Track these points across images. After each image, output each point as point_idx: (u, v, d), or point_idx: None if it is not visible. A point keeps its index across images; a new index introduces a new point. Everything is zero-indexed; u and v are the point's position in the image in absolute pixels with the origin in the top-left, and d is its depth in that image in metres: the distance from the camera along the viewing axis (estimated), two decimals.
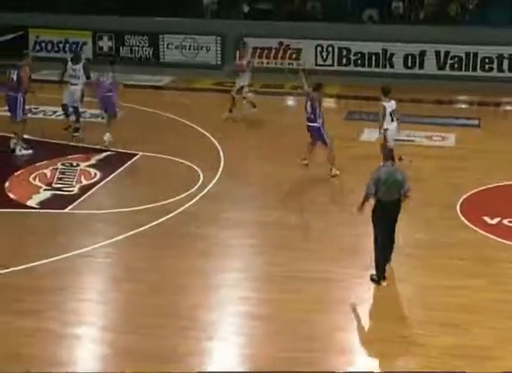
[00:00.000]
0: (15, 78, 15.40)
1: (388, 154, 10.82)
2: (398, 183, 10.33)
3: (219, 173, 14.40)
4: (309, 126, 14.38)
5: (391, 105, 14.50)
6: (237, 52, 18.49)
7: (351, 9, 23.22)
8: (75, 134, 16.37)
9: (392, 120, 14.45)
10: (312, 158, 14.57)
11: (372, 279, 10.44)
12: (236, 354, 9.02)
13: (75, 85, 16.48)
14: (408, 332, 9.34)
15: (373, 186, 10.26)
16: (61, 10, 23.23)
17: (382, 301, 10.14)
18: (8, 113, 15.74)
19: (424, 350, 8.84)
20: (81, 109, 16.81)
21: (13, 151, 15.41)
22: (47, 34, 23.68)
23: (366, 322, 9.70)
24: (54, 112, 17.41)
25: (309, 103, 14.30)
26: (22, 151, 15.46)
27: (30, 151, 15.46)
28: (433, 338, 9.06)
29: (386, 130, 14.36)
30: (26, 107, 15.91)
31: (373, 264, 10.43)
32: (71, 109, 16.68)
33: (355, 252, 11.24)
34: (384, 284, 10.37)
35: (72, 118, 16.69)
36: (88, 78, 16.57)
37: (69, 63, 16.57)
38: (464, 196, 13.25)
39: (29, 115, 16.08)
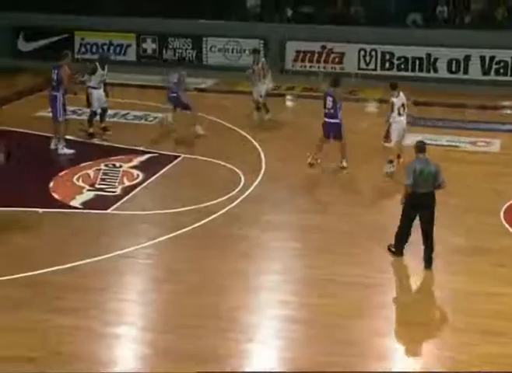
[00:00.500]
0: (55, 77, 15.61)
1: (422, 146, 10.99)
2: (432, 175, 10.67)
3: (260, 176, 14.43)
4: (329, 122, 14.51)
5: (399, 99, 14.39)
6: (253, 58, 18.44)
7: (395, 13, 23.09)
8: (108, 133, 16.58)
9: (400, 115, 14.28)
10: (360, 165, 14.53)
11: (389, 249, 11.14)
12: (275, 357, 9.01)
13: (101, 88, 16.58)
14: (449, 340, 9.25)
15: (409, 178, 10.59)
16: (106, 13, 23.51)
17: (421, 307, 10.08)
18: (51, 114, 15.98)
19: (467, 358, 8.73)
20: (124, 111, 16.99)
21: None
22: (92, 36, 23.99)
23: (404, 328, 9.63)
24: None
25: (330, 99, 14.46)
26: (64, 150, 15.65)
27: (72, 151, 15.65)
28: (476, 346, 8.94)
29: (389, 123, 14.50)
30: (71, 108, 16.10)
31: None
32: (99, 111, 16.79)
33: (396, 258, 11.19)
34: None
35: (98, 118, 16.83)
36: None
37: (99, 69, 16.46)
38: (509, 203, 13.09)
39: (72, 116, 16.23)
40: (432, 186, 10.68)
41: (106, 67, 16.55)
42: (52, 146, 15.78)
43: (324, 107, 14.52)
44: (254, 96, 18.00)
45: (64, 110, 15.77)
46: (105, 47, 23.72)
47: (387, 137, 14.68)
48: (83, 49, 23.86)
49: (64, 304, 9.81)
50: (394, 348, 9.18)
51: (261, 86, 17.86)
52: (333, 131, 14.54)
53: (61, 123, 15.75)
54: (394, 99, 14.37)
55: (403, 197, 10.77)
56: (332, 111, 14.42)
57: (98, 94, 16.46)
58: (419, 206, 10.70)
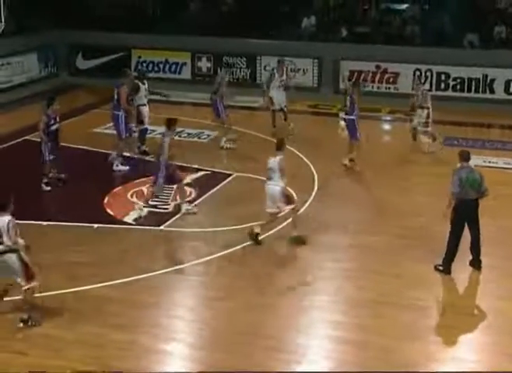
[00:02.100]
0: (115, 96, 15.83)
1: (467, 155, 11.39)
2: (477, 182, 11.01)
3: (313, 195, 14.40)
4: (345, 118, 16.18)
5: None
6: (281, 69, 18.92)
7: (451, 34, 22.89)
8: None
9: None
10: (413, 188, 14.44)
11: (436, 268, 11.18)
12: None
13: (145, 105, 16.72)
14: (500, 363, 9.07)
15: (457, 186, 10.86)
16: (162, 31, 23.82)
17: (473, 329, 9.92)
18: (115, 131, 16.20)
19: None
20: (179, 129, 17.06)
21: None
22: (149, 55, 24.30)
23: (457, 352, 9.47)
24: (153, 130, 17.68)
25: (349, 98, 15.89)
26: (119, 167, 15.85)
27: (127, 168, 15.84)
28: None
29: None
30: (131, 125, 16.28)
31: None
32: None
33: (445, 279, 11.06)
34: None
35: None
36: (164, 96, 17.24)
37: (141, 85, 16.56)
38: None
39: (135, 134, 16.41)
40: (477, 193, 11.00)
41: (146, 83, 16.71)
42: (110, 160, 15.95)
43: (344, 106, 16.41)
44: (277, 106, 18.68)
45: (127, 128, 15.93)
46: (161, 65, 24.02)
47: None
48: (140, 67, 24.16)
49: (116, 319, 9.91)
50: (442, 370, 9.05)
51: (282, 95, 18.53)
52: (348, 127, 15.99)
53: (121, 142, 15.95)
54: None
55: (447, 209, 11.00)
56: (349, 108, 15.90)
57: (147, 111, 16.64)
58: (467, 213, 10.98)
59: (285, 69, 19.18)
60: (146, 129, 16.78)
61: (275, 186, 12.28)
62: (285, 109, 18.59)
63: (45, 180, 14.53)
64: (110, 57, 24.25)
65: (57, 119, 14.67)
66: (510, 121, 19.74)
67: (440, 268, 11.20)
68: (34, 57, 23.54)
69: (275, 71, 18.86)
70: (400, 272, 11.33)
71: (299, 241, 12.32)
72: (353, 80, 17.74)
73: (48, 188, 14.51)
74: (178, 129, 17.49)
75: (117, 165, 15.85)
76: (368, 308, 10.34)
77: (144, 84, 16.60)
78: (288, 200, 12.40)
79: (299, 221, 12.52)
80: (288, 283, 11.01)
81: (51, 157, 14.52)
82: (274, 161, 12.31)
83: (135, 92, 16.53)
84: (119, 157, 15.91)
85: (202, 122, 19.26)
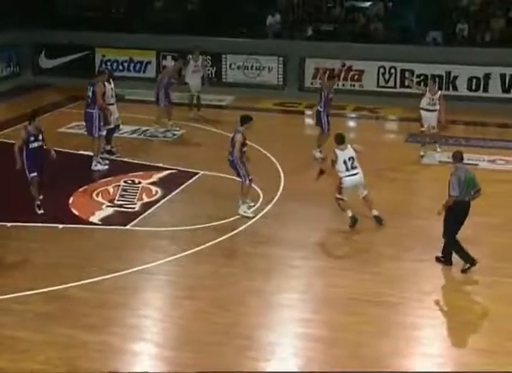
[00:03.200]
0: (90, 94, 15.61)
1: (461, 155, 11.31)
2: (473, 181, 11.07)
3: (279, 193, 14.42)
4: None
5: None
6: None
7: (415, 32, 23.09)
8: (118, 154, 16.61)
9: None
10: (381, 184, 14.51)
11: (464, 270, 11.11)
12: None
13: (114, 104, 16.49)
14: (472, 361, 9.16)
15: (457, 188, 10.88)
16: (127, 30, 23.68)
17: (442, 326, 10.01)
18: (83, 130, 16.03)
19: None
20: (144, 128, 17.01)
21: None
22: (113, 53, 24.15)
23: (425, 348, 9.54)
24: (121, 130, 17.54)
25: (324, 92, 16.55)
26: (97, 167, 15.68)
27: (106, 167, 15.68)
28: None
29: None
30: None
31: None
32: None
33: (417, 276, 11.14)
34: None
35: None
36: (116, 95, 16.66)
37: (107, 84, 16.15)
38: None
39: (104, 132, 16.23)
40: (471, 193, 11.04)
41: (112, 82, 16.45)
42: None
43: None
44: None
45: (100, 127, 15.71)
46: (125, 64, 23.88)
47: None
48: (103, 65, 23.99)
49: (84, 319, 9.82)
50: (415, 368, 9.10)
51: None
52: (315, 118, 16.74)
53: (95, 140, 15.76)
54: None
55: (443, 208, 11.02)
56: (318, 100, 16.62)
57: (113, 110, 16.41)
58: (464, 214, 11.03)
59: (200, 56, 19.93)
60: (113, 129, 16.62)
61: (361, 174, 12.83)
62: (199, 96, 19.45)
63: (37, 202, 13.27)
64: (74, 56, 24.05)
65: (40, 136, 13.13)
66: (473, 118, 19.96)
67: (467, 267, 11.13)
68: None
69: (191, 57, 19.55)
70: (370, 269, 11.37)
71: (379, 220, 12.87)
72: (330, 73, 17.82)
73: (41, 211, 13.24)
74: (143, 128, 17.51)
75: (95, 165, 15.68)
76: (338, 306, 10.36)
77: (110, 83, 16.43)
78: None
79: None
80: (257, 281, 11.00)
81: (33, 175, 13.06)
82: (349, 150, 12.75)
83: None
84: (97, 156, 15.72)
85: (167, 121, 19.17)
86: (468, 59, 21.27)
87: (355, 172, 12.73)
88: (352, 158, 12.73)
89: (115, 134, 16.83)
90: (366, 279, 11.04)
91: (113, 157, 16.37)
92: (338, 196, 12.78)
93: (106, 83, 16.18)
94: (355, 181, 12.79)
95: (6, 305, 10.14)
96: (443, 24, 23.08)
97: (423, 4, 23.24)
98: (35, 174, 13.05)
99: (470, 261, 11.10)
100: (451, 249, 11.21)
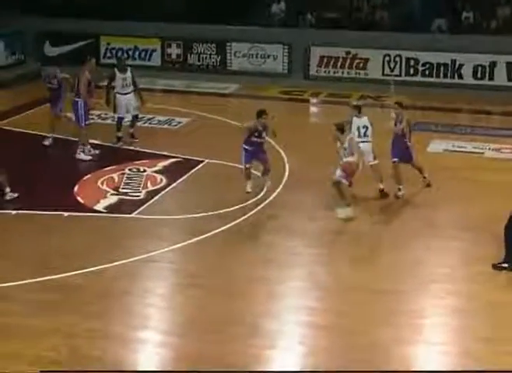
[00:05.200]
0: (76, 82, 15.61)
1: None
2: None
3: (284, 181, 14.42)
4: None
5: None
6: None
7: (420, 19, 23.00)
8: (135, 140, 16.55)
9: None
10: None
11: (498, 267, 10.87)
12: (298, 364, 9.00)
13: (129, 93, 16.38)
14: (474, 348, 9.18)
15: None
16: (132, 18, 23.64)
17: (444, 313, 10.02)
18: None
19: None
20: (149, 116, 17.00)
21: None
22: (118, 42, 24.13)
23: (427, 336, 9.57)
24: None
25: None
26: (81, 156, 15.62)
27: (89, 157, 15.62)
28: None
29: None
30: (97, 112, 16.08)
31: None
32: (126, 120, 16.62)
33: (421, 265, 11.15)
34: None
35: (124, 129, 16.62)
36: (136, 85, 16.43)
37: (117, 73, 16.26)
38: None
39: (92, 121, 16.17)
40: None
41: (128, 71, 16.36)
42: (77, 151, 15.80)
43: None
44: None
45: (86, 116, 15.67)
46: (130, 52, 23.86)
47: None
48: (109, 54, 24.02)
49: (88, 307, 9.86)
50: (417, 355, 9.13)
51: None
52: None
53: (82, 129, 15.74)
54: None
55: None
56: None
57: (123, 99, 16.33)
58: None
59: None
60: (121, 117, 16.55)
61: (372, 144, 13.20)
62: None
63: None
64: (79, 44, 24.04)
65: None
66: (478, 106, 19.90)
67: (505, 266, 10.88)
68: (1, 45, 23.26)
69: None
70: (374, 257, 11.40)
71: (384, 195, 13.32)
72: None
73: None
74: (149, 116, 17.48)
75: (78, 154, 15.64)
76: (341, 294, 10.39)
77: (123, 73, 16.28)
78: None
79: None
80: (260, 269, 11.03)
81: None
82: (366, 120, 13.33)
83: (111, 80, 16.35)
84: (82, 145, 15.69)
85: (172, 109, 19.19)
86: (473, 47, 21.18)
87: (366, 139, 13.23)
88: (366, 127, 13.25)
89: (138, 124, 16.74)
90: (369, 267, 11.05)
91: (117, 145, 16.37)
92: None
93: (117, 72, 16.21)
94: (365, 148, 13.09)
95: (10, 292, 10.20)
96: (448, 12, 22.98)
97: None
98: None
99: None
100: None
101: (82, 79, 15.50)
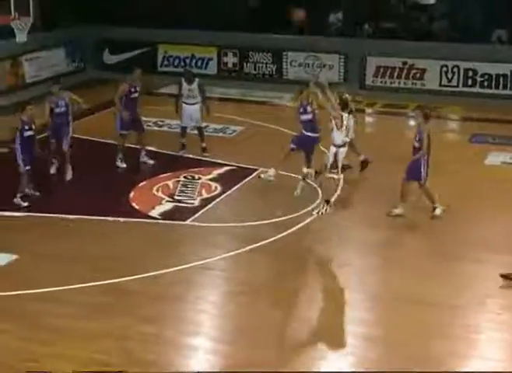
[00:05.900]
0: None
1: None
2: None
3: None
4: None
5: None
6: None
7: (479, 30, 22.70)
8: (206, 155, 16.47)
9: None
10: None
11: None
12: None
13: (194, 104, 16.44)
14: None
15: None
16: (189, 26, 23.85)
17: (500, 329, 9.84)
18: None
19: None
20: (204, 124, 17.06)
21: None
22: (175, 50, 24.36)
23: (482, 351, 9.41)
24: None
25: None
26: (117, 163, 15.72)
27: (124, 166, 15.65)
28: None
29: None
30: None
31: None
32: (189, 130, 16.66)
33: (475, 279, 10.98)
34: None
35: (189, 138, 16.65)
36: (203, 96, 16.44)
37: (184, 83, 16.34)
38: None
39: (126, 132, 15.85)
40: None
41: (195, 83, 16.33)
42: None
43: None
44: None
45: (120, 125, 15.63)
46: (187, 60, 24.06)
47: None
48: (166, 62, 24.23)
49: (143, 312, 9.96)
50: (471, 370, 8.98)
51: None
52: None
53: (119, 137, 15.79)
54: None
55: None
56: None
57: (187, 109, 16.32)
58: None
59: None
60: (184, 127, 16.56)
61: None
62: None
63: (20, 195, 13.45)
64: (137, 52, 24.34)
65: (33, 126, 13.53)
66: None
67: None
68: (62, 52, 23.69)
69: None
70: (427, 268, 11.25)
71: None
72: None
73: (25, 204, 13.40)
74: (203, 124, 17.60)
75: (116, 161, 15.76)
76: (393, 305, 10.28)
77: (190, 84, 16.28)
78: None
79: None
80: (314, 278, 11.00)
81: (27, 168, 13.47)
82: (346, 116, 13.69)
83: (179, 89, 16.41)
84: (120, 152, 15.74)
85: (228, 117, 19.28)
86: None
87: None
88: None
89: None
90: (422, 278, 10.92)
91: (170, 153, 16.49)
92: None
93: (184, 83, 16.30)
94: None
95: (66, 295, 10.36)
96: (509, 22, 22.63)
97: (488, 1, 22.81)
98: (29, 167, 13.45)
99: None
100: None
101: (120, 89, 15.63)
